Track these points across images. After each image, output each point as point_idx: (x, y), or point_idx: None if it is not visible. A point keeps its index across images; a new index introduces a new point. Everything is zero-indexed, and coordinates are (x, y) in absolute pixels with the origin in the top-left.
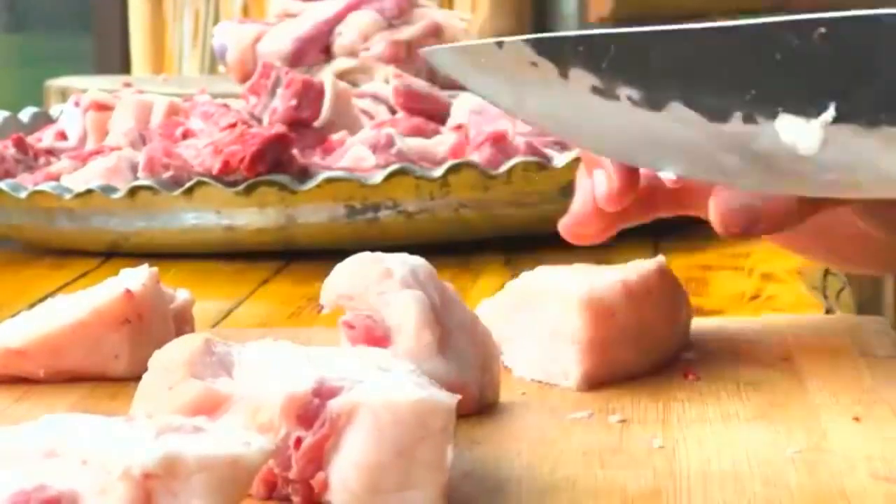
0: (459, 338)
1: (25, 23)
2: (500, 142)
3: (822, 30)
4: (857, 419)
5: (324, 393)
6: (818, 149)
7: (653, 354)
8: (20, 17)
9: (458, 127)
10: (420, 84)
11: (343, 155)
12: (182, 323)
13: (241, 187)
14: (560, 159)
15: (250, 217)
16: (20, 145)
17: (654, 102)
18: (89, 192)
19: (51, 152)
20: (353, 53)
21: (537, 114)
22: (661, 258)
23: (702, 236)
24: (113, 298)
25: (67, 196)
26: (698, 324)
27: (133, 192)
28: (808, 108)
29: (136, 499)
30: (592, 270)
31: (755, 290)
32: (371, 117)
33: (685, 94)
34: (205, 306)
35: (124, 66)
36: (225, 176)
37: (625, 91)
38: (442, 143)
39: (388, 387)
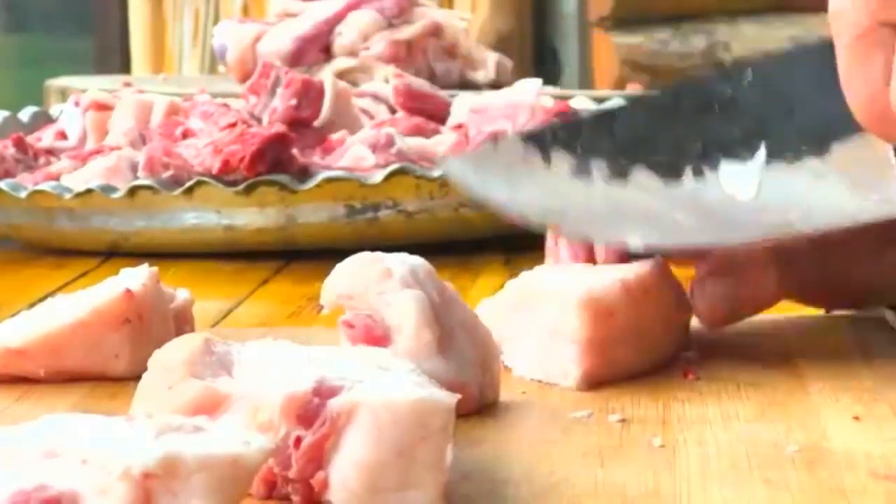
0: (459, 337)
1: (25, 23)
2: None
3: (749, 75)
4: (857, 418)
5: (324, 392)
6: (755, 193)
7: (652, 354)
8: (20, 17)
9: (458, 126)
10: (420, 83)
11: (343, 154)
12: (182, 323)
13: (240, 187)
14: None
15: (250, 217)
16: (20, 145)
17: (619, 173)
18: (89, 191)
19: (51, 152)
20: (353, 53)
21: (527, 205)
22: (659, 257)
23: None
24: (113, 298)
25: (67, 196)
26: (698, 324)
27: (133, 191)
28: (744, 153)
29: (136, 498)
30: (592, 270)
31: None
32: (371, 117)
33: (645, 159)
34: (205, 306)
35: (124, 66)
36: (225, 175)
37: (596, 166)
38: (442, 142)
39: (388, 386)
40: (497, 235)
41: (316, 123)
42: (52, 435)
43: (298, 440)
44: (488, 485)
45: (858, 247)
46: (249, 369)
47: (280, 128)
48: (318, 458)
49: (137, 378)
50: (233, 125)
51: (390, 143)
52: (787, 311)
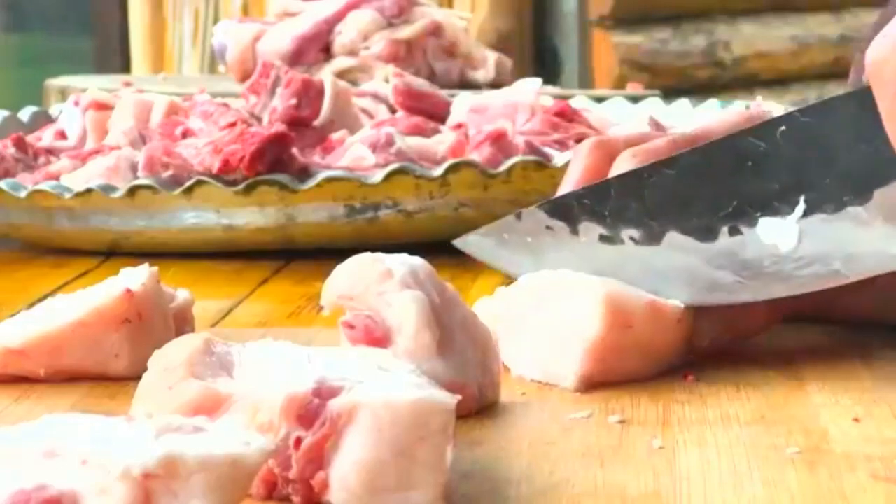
0: (459, 338)
1: (25, 23)
2: (499, 141)
3: (783, 128)
4: (856, 420)
5: (324, 393)
6: (796, 244)
7: (653, 367)
8: (20, 17)
9: (458, 126)
10: (420, 83)
11: (343, 154)
12: (182, 322)
13: (240, 186)
14: (560, 158)
15: (250, 216)
16: (20, 145)
17: (652, 237)
18: (89, 191)
19: (50, 151)
20: (352, 52)
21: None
22: None
23: None
24: (113, 298)
25: (67, 195)
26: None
27: (133, 191)
28: (783, 207)
29: (136, 499)
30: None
31: None
32: (371, 116)
33: (678, 222)
34: (204, 306)
35: (124, 66)
36: (225, 175)
37: (627, 233)
38: (442, 142)
39: (388, 387)
40: None
41: (316, 123)
42: (51, 435)
43: (298, 441)
44: (488, 485)
45: None
46: (249, 370)
47: (280, 127)
48: (319, 458)
49: (137, 378)
50: (232, 125)
51: (390, 142)
52: None
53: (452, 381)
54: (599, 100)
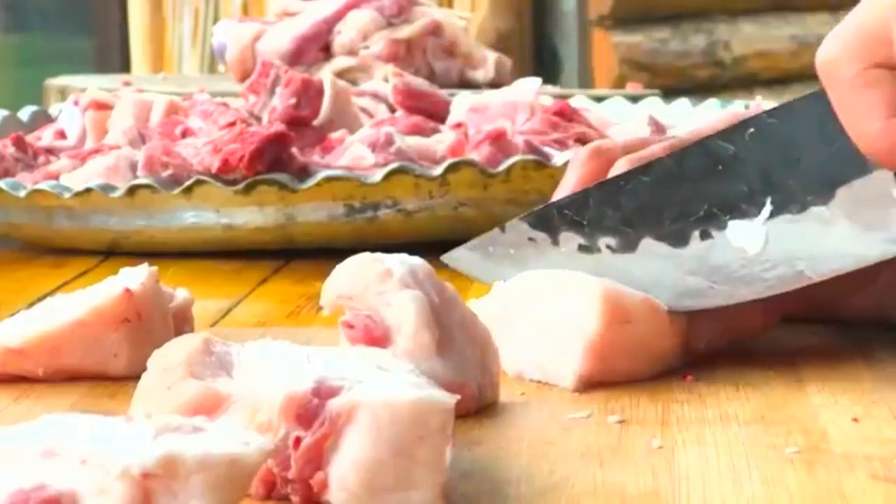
0: (459, 338)
1: (25, 23)
2: (499, 140)
3: (751, 130)
4: (856, 420)
5: (323, 393)
6: (763, 247)
7: (658, 366)
8: (20, 17)
9: (458, 125)
10: (419, 82)
11: (342, 153)
12: (181, 322)
13: (240, 186)
14: (559, 158)
15: (249, 216)
16: (19, 144)
17: (628, 245)
18: (88, 190)
19: (50, 151)
20: (352, 52)
21: None
22: None
23: None
24: (112, 297)
25: (67, 195)
26: None
27: (132, 190)
28: (750, 209)
29: (136, 499)
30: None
31: None
32: (370, 116)
33: (652, 228)
34: (203, 305)
35: (124, 66)
36: (224, 175)
37: (604, 241)
38: (441, 141)
39: (388, 386)
40: None
41: (315, 122)
42: (51, 435)
43: (298, 440)
44: (488, 484)
45: (848, 277)
46: (249, 370)
47: (279, 127)
48: (318, 458)
49: (136, 378)
50: (232, 124)
51: (390, 142)
52: None
53: (451, 380)
54: (599, 99)
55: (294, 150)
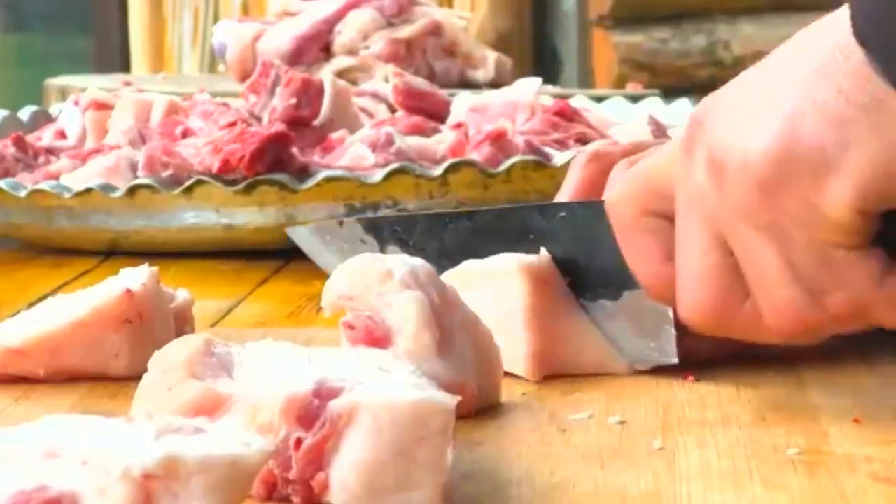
0: (460, 339)
1: (25, 23)
2: (499, 140)
3: (562, 213)
4: (857, 421)
5: (324, 394)
6: None
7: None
8: (20, 17)
9: (458, 125)
10: (420, 82)
11: (343, 153)
12: (182, 323)
13: (240, 186)
14: (559, 158)
15: (250, 216)
16: (20, 144)
17: (445, 268)
18: (89, 190)
19: (50, 151)
20: (352, 52)
21: None
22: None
23: None
24: (113, 298)
25: (67, 195)
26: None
27: (132, 190)
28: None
29: (136, 499)
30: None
31: None
32: (371, 116)
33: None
34: (204, 305)
35: (124, 65)
36: (224, 175)
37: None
38: (441, 141)
39: (388, 388)
40: None
41: (315, 122)
42: (52, 435)
43: (299, 441)
44: (489, 485)
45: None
46: (249, 370)
47: (280, 127)
48: (319, 459)
49: (137, 378)
50: (232, 124)
51: (390, 141)
52: None
53: (452, 381)
54: (599, 99)
55: (294, 150)
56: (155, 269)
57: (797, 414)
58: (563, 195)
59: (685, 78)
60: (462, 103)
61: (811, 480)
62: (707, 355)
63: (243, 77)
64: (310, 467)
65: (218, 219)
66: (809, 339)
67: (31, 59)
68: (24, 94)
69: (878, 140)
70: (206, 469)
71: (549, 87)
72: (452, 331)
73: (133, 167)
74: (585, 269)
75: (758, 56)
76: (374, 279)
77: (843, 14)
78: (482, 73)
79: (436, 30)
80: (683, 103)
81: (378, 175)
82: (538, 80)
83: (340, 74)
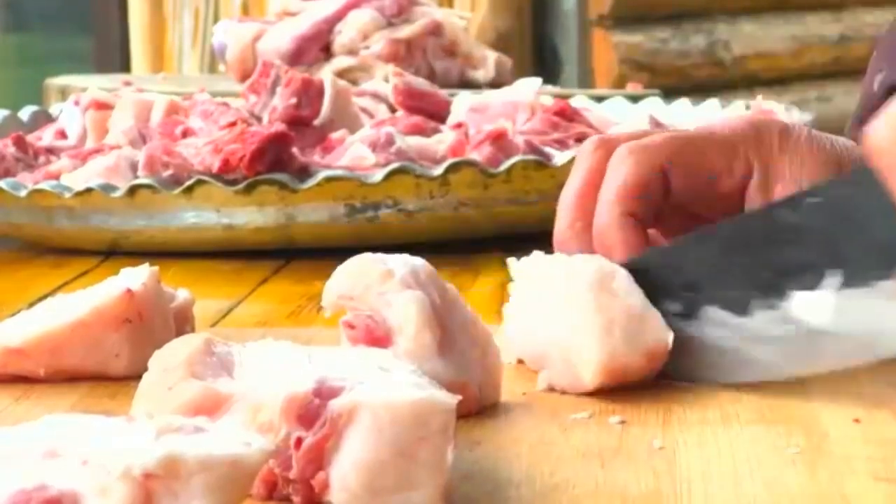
0: (460, 338)
1: (25, 22)
2: (499, 140)
3: (815, 199)
4: (857, 420)
5: (324, 393)
6: (830, 320)
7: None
8: (20, 16)
9: (458, 125)
10: (420, 82)
11: (343, 153)
12: (182, 322)
13: (240, 186)
14: (560, 158)
15: (250, 216)
16: (20, 144)
17: (690, 311)
18: (89, 190)
19: (50, 151)
20: (352, 52)
21: None
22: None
23: None
24: (113, 297)
25: (67, 195)
26: None
27: (133, 190)
28: (816, 280)
29: (137, 499)
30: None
31: None
32: (371, 116)
33: (714, 295)
34: (204, 305)
35: (124, 65)
36: (225, 174)
37: (669, 307)
38: (442, 141)
39: (389, 387)
40: (497, 235)
41: (316, 122)
42: (52, 435)
43: (299, 441)
44: (489, 485)
45: None
46: (250, 370)
47: (280, 127)
48: (319, 458)
49: (137, 378)
50: (232, 124)
51: (390, 141)
52: None
53: (453, 381)
54: (599, 99)
55: (294, 150)
56: (155, 268)
57: (797, 413)
58: (570, 186)
59: (685, 78)
60: (462, 103)
61: (811, 480)
62: None
63: (243, 77)
64: (310, 466)
65: (218, 219)
66: None
67: (31, 59)
68: (24, 94)
69: None
70: (206, 468)
71: (549, 87)
72: (453, 330)
73: (133, 167)
74: (852, 253)
75: (758, 56)
76: (375, 279)
77: None
78: (482, 73)
79: (436, 30)
80: (683, 103)
81: (378, 175)
82: (538, 80)
83: (340, 74)
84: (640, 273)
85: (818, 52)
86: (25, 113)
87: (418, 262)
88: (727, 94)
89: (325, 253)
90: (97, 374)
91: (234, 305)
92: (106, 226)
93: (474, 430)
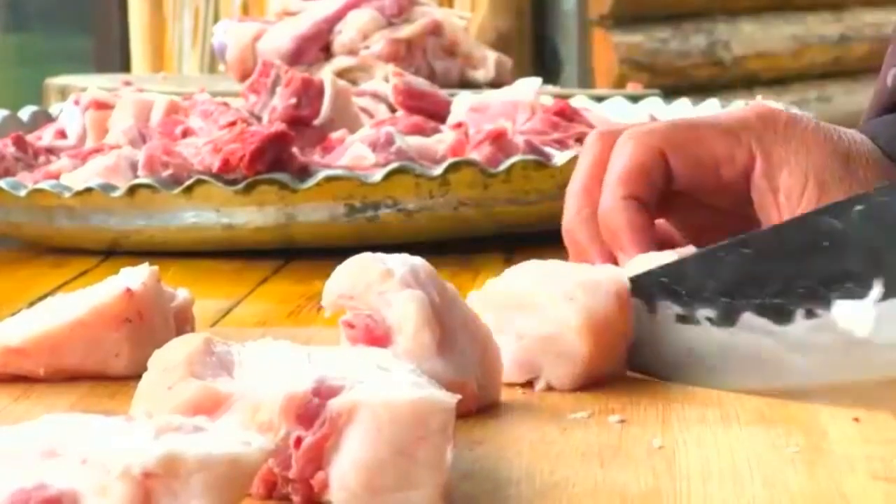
0: (460, 338)
1: (25, 22)
2: (499, 140)
3: (859, 207)
4: (856, 420)
5: (323, 392)
6: (872, 329)
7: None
8: (20, 16)
9: (458, 125)
10: (420, 82)
11: (343, 153)
12: (182, 322)
13: (240, 186)
14: (559, 157)
15: (250, 215)
16: (20, 144)
17: (727, 317)
18: (89, 190)
19: (50, 151)
20: (352, 52)
21: (633, 354)
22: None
23: None
24: (113, 297)
25: (67, 194)
26: None
27: (132, 190)
28: (859, 289)
29: (136, 498)
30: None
31: None
32: (371, 115)
33: (752, 302)
34: (204, 305)
35: (124, 65)
36: (224, 174)
37: (703, 313)
38: (441, 141)
39: (388, 386)
40: (497, 234)
41: (316, 122)
42: (51, 434)
43: (298, 440)
44: (489, 484)
45: None
46: (249, 369)
47: (280, 126)
48: (318, 458)
49: (137, 377)
50: (232, 124)
51: (390, 141)
52: None
53: (452, 380)
54: (599, 99)
55: (294, 149)
56: (155, 268)
57: (796, 413)
58: (576, 178)
59: (685, 78)
60: (462, 103)
61: (811, 479)
62: None
63: (243, 77)
64: (309, 466)
65: (218, 218)
66: None
67: (31, 58)
68: (24, 94)
69: None
70: (205, 468)
71: (549, 87)
72: (453, 329)
73: (133, 167)
74: (892, 263)
75: (758, 56)
76: (375, 278)
77: None
78: (482, 73)
79: (436, 30)
80: (683, 103)
81: (378, 175)
82: (538, 80)
83: (340, 74)
84: (674, 280)
85: (818, 52)
86: (25, 113)
87: (418, 261)
88: (727, 94)
89: (324, 253)
90: (97, 373)
91: (234, 305)
92: (106, 225)
93: (474, 429)
